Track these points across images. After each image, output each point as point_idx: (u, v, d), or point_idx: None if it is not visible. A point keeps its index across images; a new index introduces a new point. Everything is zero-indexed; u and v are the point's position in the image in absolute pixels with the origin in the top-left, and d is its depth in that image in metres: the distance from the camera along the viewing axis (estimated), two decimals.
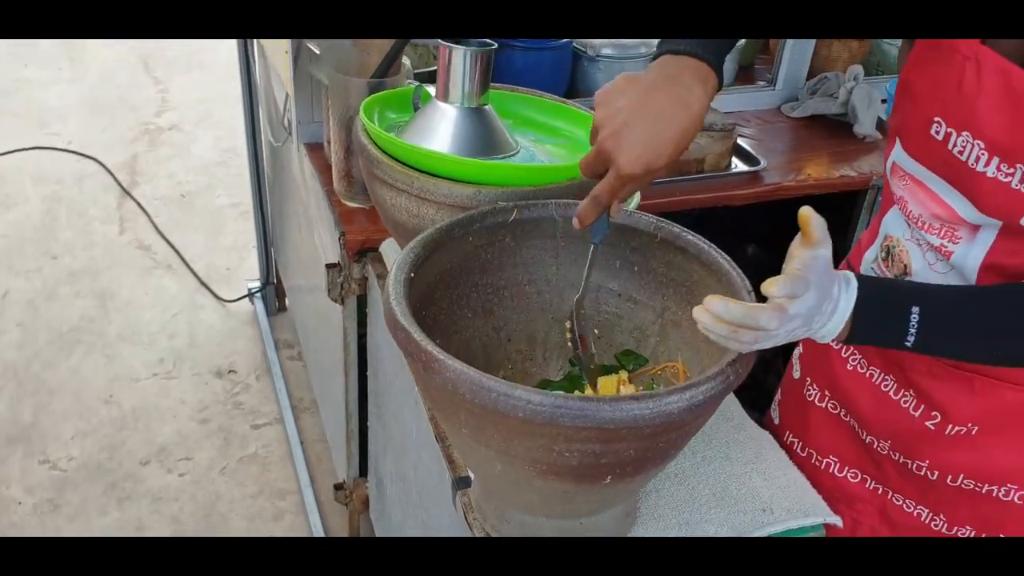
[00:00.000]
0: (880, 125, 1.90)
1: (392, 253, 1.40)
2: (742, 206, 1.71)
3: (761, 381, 1.62)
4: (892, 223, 0.99)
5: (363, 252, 1.46)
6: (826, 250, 0.77)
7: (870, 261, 1.03)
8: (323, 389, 2.03)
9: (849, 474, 1.11)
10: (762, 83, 2.06)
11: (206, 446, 2.24)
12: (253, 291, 2.66)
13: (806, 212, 0.77)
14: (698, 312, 0.78)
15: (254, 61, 2.22)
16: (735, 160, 1.76)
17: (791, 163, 1.79)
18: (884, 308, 0.80)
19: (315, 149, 1.70)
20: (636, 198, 1.33)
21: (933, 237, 0.91)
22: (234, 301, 2.69)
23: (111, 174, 3.34)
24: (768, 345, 0.78)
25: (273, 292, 2.62)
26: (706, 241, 0.97)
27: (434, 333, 0.95)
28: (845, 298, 0.79)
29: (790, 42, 1.95)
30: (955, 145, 0.84)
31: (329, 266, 1.49)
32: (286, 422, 2.26)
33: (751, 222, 1.92)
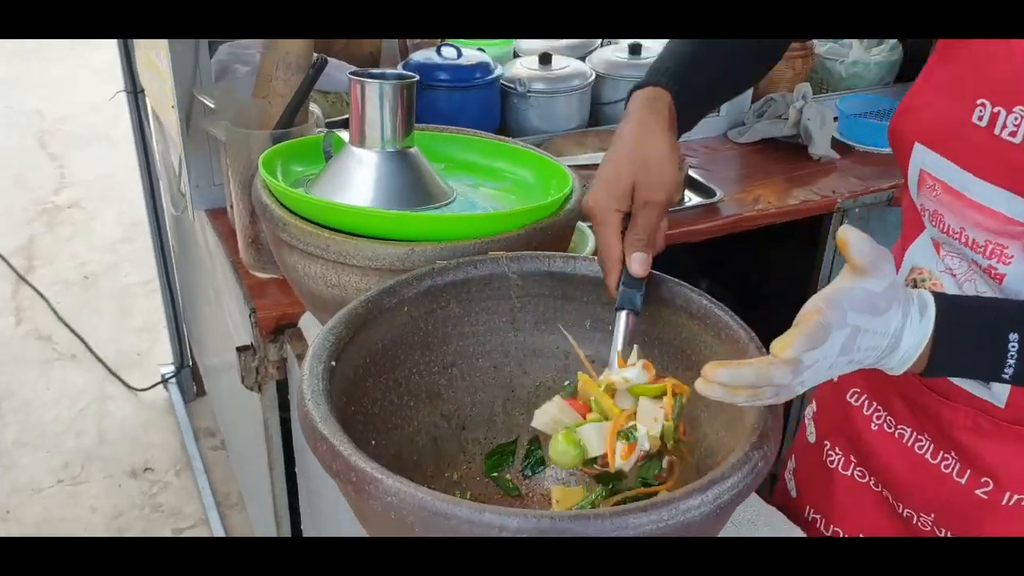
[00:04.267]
0: (834, 144, 1.78)
1: (314, 329, 1.20)
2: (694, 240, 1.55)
3: None
4: (920, 253, 0.83)
5: (279, 330, 1.25)
6: (878, 278, 0.61)
7: (904, 274, 0.87)
8: (249, 485, 1.79)
9: None
10: None
11: None
12: (167, 377, 2.41)
13: (843, 234, 0.60)
14: (704, 387, 0.61)
15: (148, 124, 2.01)
16: (688, 193, 1.61)
17: (746, 191, 1.65)
18: (972, 335, 0.64)
19: (218, 215, 1.50)
20: (591, 241, 1.16)
21: (979, 256, 0.75)
22: (147, 389, 2.44)
23: (4, 260, 3.06)
24: (798, 393, 0.62)
25: (189, 375, 2.37)
26: (693, 288, 0.79)
27: (367, 433, 0.75)
28: (913, 328, 0.63)
29: None
30: (1005, 126, 0.70)
31: (241, 349, 1.27)
32: (211, 523, 2.01)
33: (704, 255, 1.76)
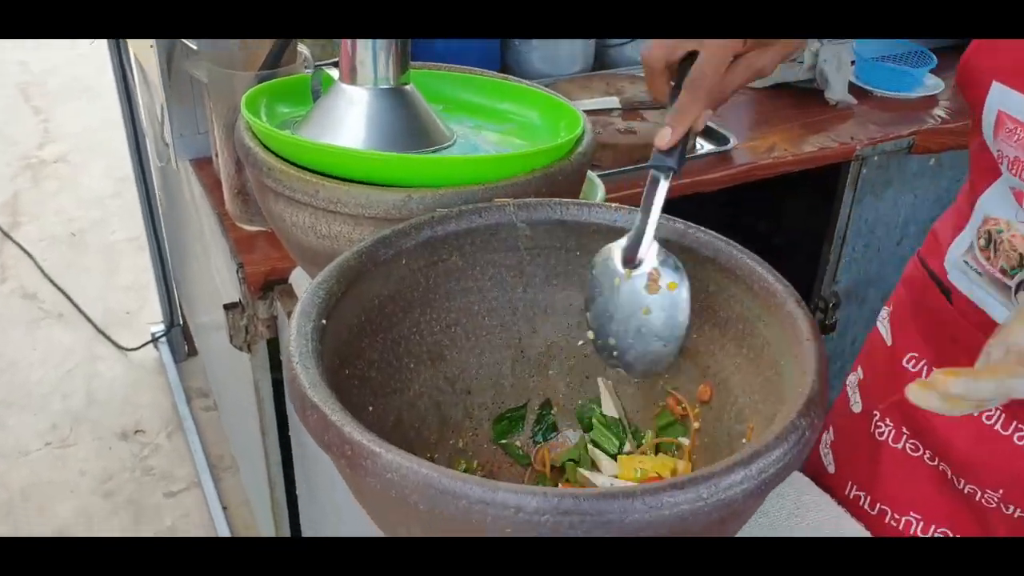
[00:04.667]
0: (851, 89, 1.69)
1: (306, 285, 1.12)
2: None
3: None
4: (994, 201, 0.75)
5: (269, 286, 1.18)
6: None
7: (961, 254, 0.78)
8: (241, 448, 1.73)
9: (937, 533, 0.86)
10: None
11: (113, 524, 1.91)
12: (157, 336, 2.33)
13: None
14: (921, 396, 0.54)
15: (131, 72, 1.91)
16: (699, 141, 1.53)
17: (761, 138, 1.56)
18: None
19: (203, 165, 1.41)
20: (600, 194, 1.08)
21: None
22: (136, 349, 2.37)
23: None
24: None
25: (180, 334, 2.30)
26: (720, 237, 0.72)
27: (364, 398, 0.68)
28: None
29: None
30: None
31: (228, 307, 1.20)
32: (204, 486, 1.95)
33: (714, 205, 1.68)
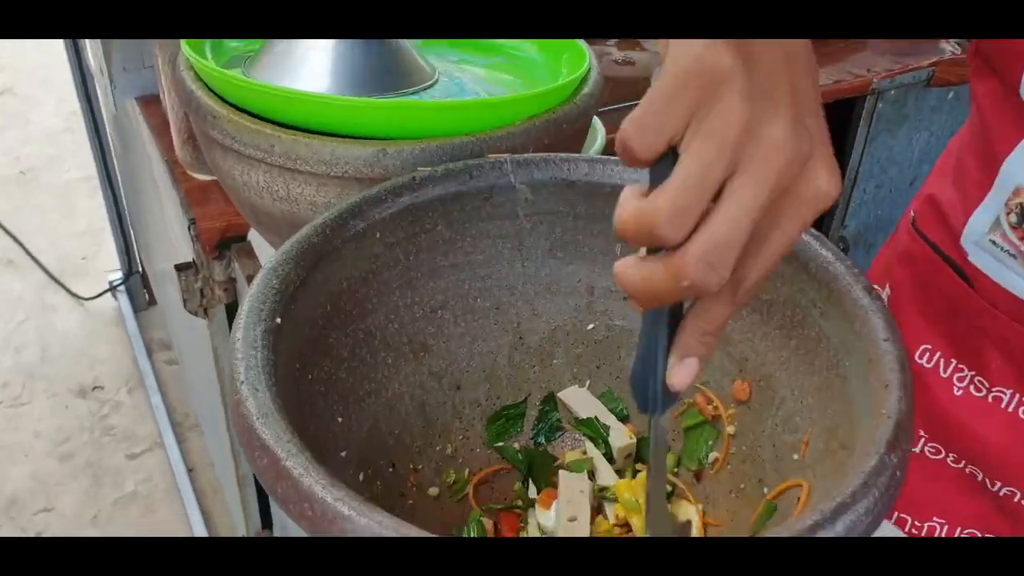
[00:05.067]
0: None
1: (267, 246, 0.98)
2: None
3: None
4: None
5: (226, 244, 1.04)
6: None
7: (983, 232, 0.64)
8: (203, 409, 1.60)
9: (963, 536, 0.75)
10: None
11: (71, 489, 1.79)
12: (115, 284, 2.18)
13: None
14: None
15: None
16: None
17: None
18: None
19: (150, 104, 1.26)
20: (600, 139, 0.95)
21: None
22: (93, 298, 2.21)
23: None
24: None
25: (139, 282, 2.15)
26: (820, 238, 0.59)
27: (332, 407, 0.55)
28: None
29: None
30: None
31: (180, 267, 1.06)
32: (167, 447, 1.83)
33: None
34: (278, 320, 0.49)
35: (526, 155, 0.62)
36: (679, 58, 0.33)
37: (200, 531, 1.65)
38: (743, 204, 0.33)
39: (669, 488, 0.60)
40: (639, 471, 0.62)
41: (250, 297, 0.50)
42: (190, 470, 1.79)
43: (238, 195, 0.70)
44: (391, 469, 0.60)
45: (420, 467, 0.62)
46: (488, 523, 0.61)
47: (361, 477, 0.57)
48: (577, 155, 0.62)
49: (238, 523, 1.44)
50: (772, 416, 0.58)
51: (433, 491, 0.62)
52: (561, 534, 0.57)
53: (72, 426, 1.92)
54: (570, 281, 0.65)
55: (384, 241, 0.58)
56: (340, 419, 0.56)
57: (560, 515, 0.57)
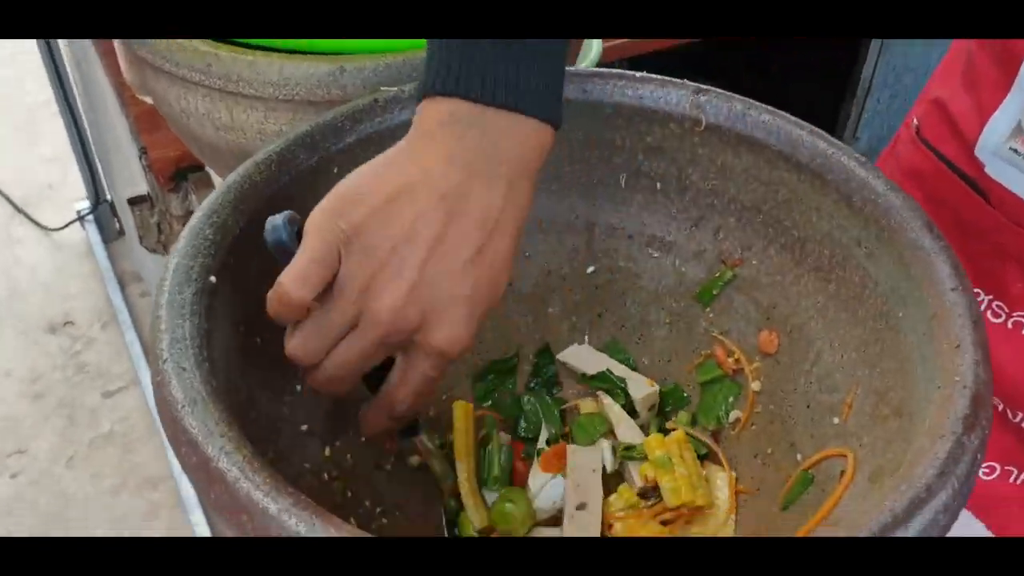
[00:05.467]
0: None
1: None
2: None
3: None
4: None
5: (182, 174, 0.94)
6: None
7: (1001, 139, 0.55)
8: None
9: (983, 470, 0.70)
10: None
11: (44, 431, 1.72)
12: (83, 214, 2.08)
13: None
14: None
15: None
16: None
17: None
18: None
19: None
20: (595, 50, 0.84)
21: None
22: (61, 229, 2.11)
23: None
24: None
25: (108, 211, 2.05)
26: (800, 122, 0.49)
27: (286, 377, 0.47)
28: None
29: None
30: None
31: (134, 201, 0.96)
32: (143, 385, 1.75)
33: (693, 61, 1.43)
34: (212, 279, 0.40)
35: None
36: (311, 231, 0.40)
37: (180, 469, 1.58)
38: (351, 349, 0.41)
39: (702, 451, 0.52)
40: (670, 429, 0.54)
41: (178, 252, 0.41)
42: None
43: (177, 124, 0.61)
44: (363, 439, 0.52)
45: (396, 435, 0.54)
46: (505, 438, 0.54)
47: (327, 451, 0.49)
48: (569, 68, 0.53)
49: None
50: (805, 372, 0.50)
51: (414, 460, 0.54)
52: (566, 526, 0.49)
53: (44, 364, 1.84)
54: (566, 218, 0.56)
55: (343, 177, 0.49)
56: (299, 387, 0.47)
57: (569, 501, 0.49)
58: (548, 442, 0.55)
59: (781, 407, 0.51)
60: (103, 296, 1.96)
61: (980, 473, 0.69)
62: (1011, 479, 0.70)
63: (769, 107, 0.50)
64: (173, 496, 1.60)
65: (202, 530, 1.50)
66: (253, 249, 0.44)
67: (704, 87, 0.51)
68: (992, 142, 0.58)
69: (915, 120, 0.67)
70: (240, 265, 0.43)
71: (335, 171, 0.48)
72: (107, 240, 2.06)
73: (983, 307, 0.64)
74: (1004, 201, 0.59)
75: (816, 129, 0.49)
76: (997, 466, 0.70)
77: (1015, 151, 0.57)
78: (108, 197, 2.03)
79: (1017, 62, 0.54)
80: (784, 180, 0.49)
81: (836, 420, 0.47)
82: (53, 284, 2.01)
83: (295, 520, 0.31)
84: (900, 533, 0.31)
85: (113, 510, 1.60)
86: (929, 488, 0.32)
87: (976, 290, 0.64)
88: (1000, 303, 0.64)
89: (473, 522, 0.51)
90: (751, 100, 0.50)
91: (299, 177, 0.46)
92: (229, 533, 0.33)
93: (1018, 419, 0.67)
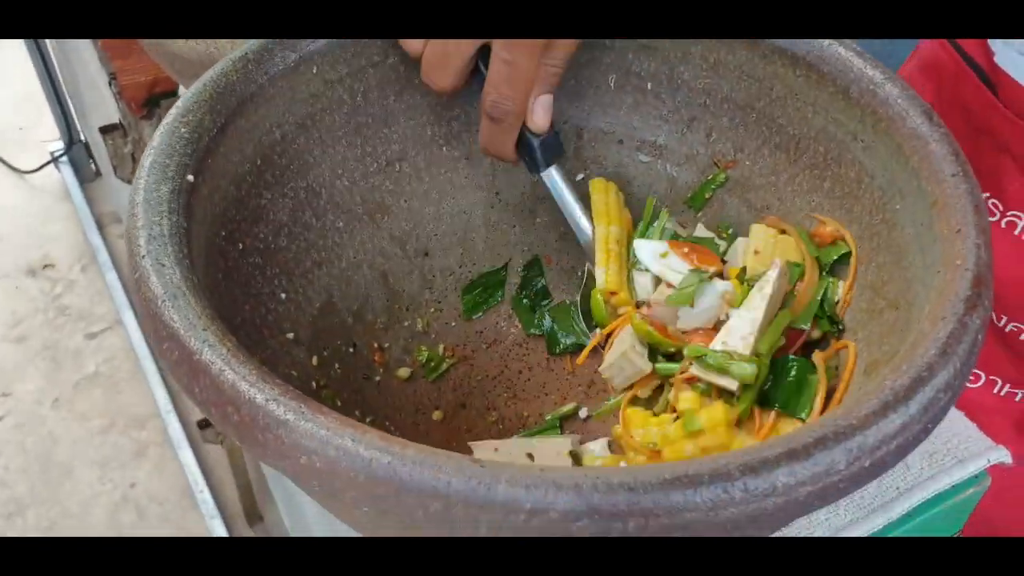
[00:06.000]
0: None
1: None
2: None
3: None
4: None
5: (154, 100, 0.91)
6: None
7: None
8: None
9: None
10: None
11: (29, 373, 1.71)
12: (57, 155, 2.03)
13: None
14: None
15: None
16: None
17: None
18: None
19: None
20: None
21: None
22: (35, 171, 2.07)
23: None
24: None
25: (83, 152, 2.00)
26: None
27: (271, 281, 0.46)
28: None
29: None
30: None
31: (105, 130, 0.94)
32: (127, 325, 1.74)
33: None
34: (190, 177, 0.39)
35: None
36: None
37: (166, 408, 1.58)
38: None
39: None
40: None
41: (152, 150, 0.39)
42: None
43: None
44: (351, 350, 0.51)
45: (387, 346, 0.53)
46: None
47: (315, 360, 0.48)
48: None
49: None
50: None
51: (403, 372, 0.54)
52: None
53: (25, 308, 1.82)
54: (556, 119, 0.54)
55: (323, 77, 0.47)
56: (284, 295, 0.46)
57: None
58: None
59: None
60: (82, 238, 1.94)
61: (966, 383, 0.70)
62: (995, 390, 0.71)
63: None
64: (160, 434, 1.60)
65: (192, 469, 1.50)
66: (231, 149, 0.43)
67: None
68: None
69: None
70: (218, 165, 0.42)
71: (315, 70, 0.46)
72: (83, 181, 2.02)
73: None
74: (1010, 95, 0.58)
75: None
76: (982, 374, 0.71)
77: None
78: (82, 138, 1.99)
79: None
80: (779, 75, 0.48)
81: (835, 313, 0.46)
82: (31, 227, 1.97)
83: (283, 409, 0.30)
84: (901, 410, 0.30)
85: (101, 450, 1.59)
86: (931, 367, 0.32)
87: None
88: (996, 201, 0.63)
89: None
90: None
91: (278, 76, 0.45)
92: (218, 427, 0.32)
93: (1003, 323, 0.66)
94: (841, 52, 0.45)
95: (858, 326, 0.44)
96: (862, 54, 0.45)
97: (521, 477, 0.28)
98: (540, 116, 0.48)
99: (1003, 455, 0.62)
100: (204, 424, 1.33)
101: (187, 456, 1.51)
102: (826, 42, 0.46)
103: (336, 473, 0.29)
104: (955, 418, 0.62)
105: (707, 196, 0.53)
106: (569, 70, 0.52)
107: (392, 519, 0.30)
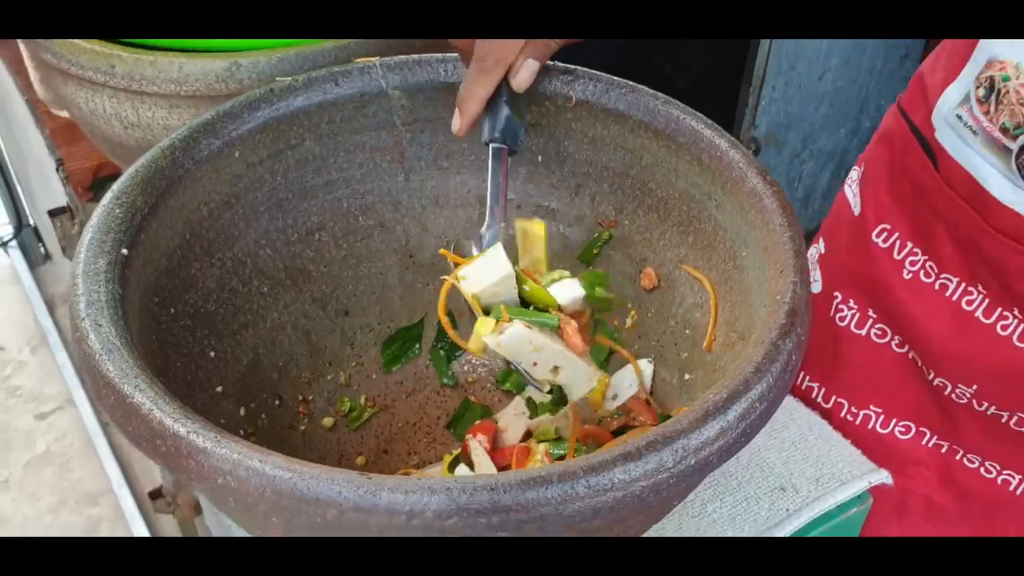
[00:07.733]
0: None
1: None
2: None
3: None
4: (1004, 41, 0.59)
5: (100, 184, 0.97)
6: None
7: (952, 106, 0.62)
8: None
9: (898, 428, 0.74)
10: None
11: None
12: (5, 240, 2.07)
13: None
14: None
15: None
16: None
17: None
18: None
19: (8, 42, 1.16)
20: None
21: None
22: None
23: None
24: None
25: (32, 236, 2.04)
26: (655, 93, 0.55)
27: (202, 341, 0.51)
28: None
29: None
30: None
31: (54, 213, 0.99)
32: (79, 403, 1.76)
33: (602, 47, 1.51)
34: (124, 251, 0.45)
35: (398, 57, 0.57)
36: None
37: (119, 482, 1.59)
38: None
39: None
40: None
41: (91, 228, 0.45)
42: (104, 425, 1.72)
43: (88, 126, 0.64)
44: (277, 402, 0.56)
45: (311, 398, 0.59)
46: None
47: (243, 411, 0.54)
48: (453, 54, 0.58)
49: (158, 473, 1.39)
50: (673, 315, 0.56)
51: (327, 421, 0.59)
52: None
53: None
54: (459, 192, 0.61)
55: (245, 160, 0.53)
56: (213, 354, 0.52)
57: None
58: None
59: (654, 342, 0.57)
60: (32, 320, 1.96)
61: (896, 433, 0.75)
62: (923, 441, 0.74)
63: (629, 82, 0.56)
64: (113, 509, 1.61)
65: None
66: (162, 226, 0.49)
67: (571, 67, 0.57)
68: (945, 108, 0.62)
69: (903, 93, 0.72)
70: (150, 240, 0.47)
71: (237, 155, 0.52)
72: (33, 265, 2.05)
73: (917, 267, 0.69)
74: (946, 166, 0.63)
75: (670, 99, 0.54)
76: (912, 426, 0.74)
77: (959, 117, 0.61)
78: (31, 222, 2.03)
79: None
80: (647, 146, 0.55)
81: (703, 349, 0.53)
82: None
83: (202, 439, 0.35)
84: (720, 418, 0.37)
85: (52, 528, 1.59)
86: (747, 382, 0.38)
87: (915, 249, 0.68)
88: (932, 264, 0.68)
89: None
90: (613, 77, 0.56)
91: (203, 161, 0.51)
92: (149, 457, 0.37)
93: (931, 377, 0.70)
94: (693, 125, 0.53)
95: (719, 359, 0.51)
96: (712, 125, 0.53)
97: (401, 485, 0.34)
98: (523, 75, 0.52)
99: (883, 477, 0.68)
100: (156, 495, 1.35)
101: (140, 529, 1.53)
102: (681, 116, 0.53)
103: (247, 491, 0.35)
104: (840, 445, 0.69)
105: (595, 252, 0.60)
106: (471, 147, 0.59)
107: (298, 527, 0.36)
